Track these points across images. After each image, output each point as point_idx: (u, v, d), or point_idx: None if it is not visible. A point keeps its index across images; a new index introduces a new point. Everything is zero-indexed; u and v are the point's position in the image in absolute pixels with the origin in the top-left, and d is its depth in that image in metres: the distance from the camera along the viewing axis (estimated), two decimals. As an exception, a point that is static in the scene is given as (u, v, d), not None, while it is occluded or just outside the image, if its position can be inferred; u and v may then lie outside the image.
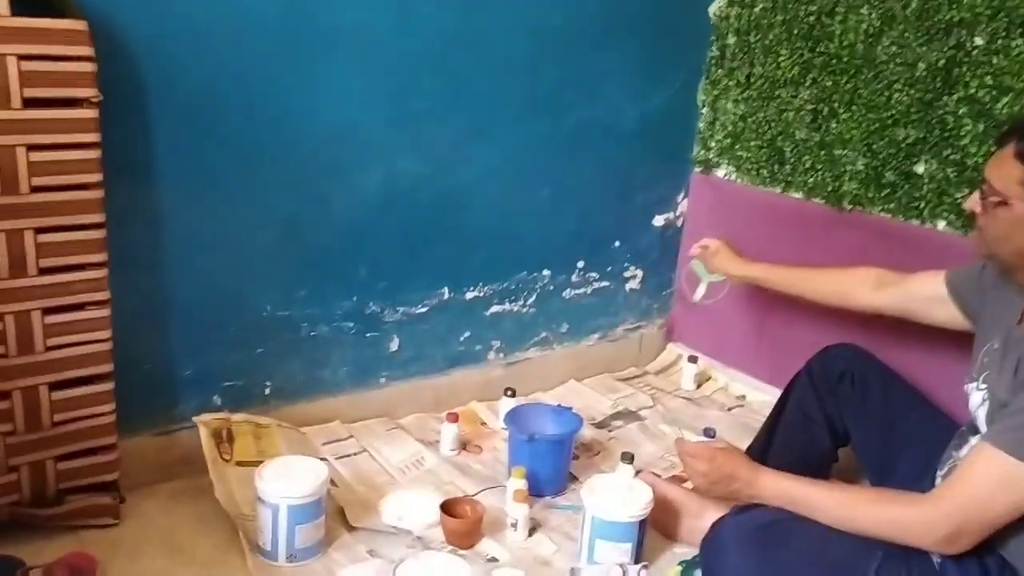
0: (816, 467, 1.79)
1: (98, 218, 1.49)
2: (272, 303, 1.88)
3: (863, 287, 1.79)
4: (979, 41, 1.80)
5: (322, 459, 1.74)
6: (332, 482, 1.74)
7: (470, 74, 2.01)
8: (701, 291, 2.16)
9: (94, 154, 1.46)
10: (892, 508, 1.38)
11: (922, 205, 1.94)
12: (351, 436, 1.99)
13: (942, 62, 1.86)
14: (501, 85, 2.07)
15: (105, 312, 1.54)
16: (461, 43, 1.97)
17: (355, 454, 1.93)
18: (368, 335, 2.04)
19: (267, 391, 1.93)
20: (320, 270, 1.93)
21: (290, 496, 1.53)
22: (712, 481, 1.53)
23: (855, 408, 1.79)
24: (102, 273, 1.52)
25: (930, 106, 1.89)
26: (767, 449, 1.84)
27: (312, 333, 1.96)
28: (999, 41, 1.77)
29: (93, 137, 1.45)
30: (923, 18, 1.88)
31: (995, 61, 1.78)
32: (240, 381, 1.88)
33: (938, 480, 1.58)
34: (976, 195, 1.44)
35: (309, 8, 1.73)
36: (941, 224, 1.92)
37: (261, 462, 1.62)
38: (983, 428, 1.46)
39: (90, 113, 1.44)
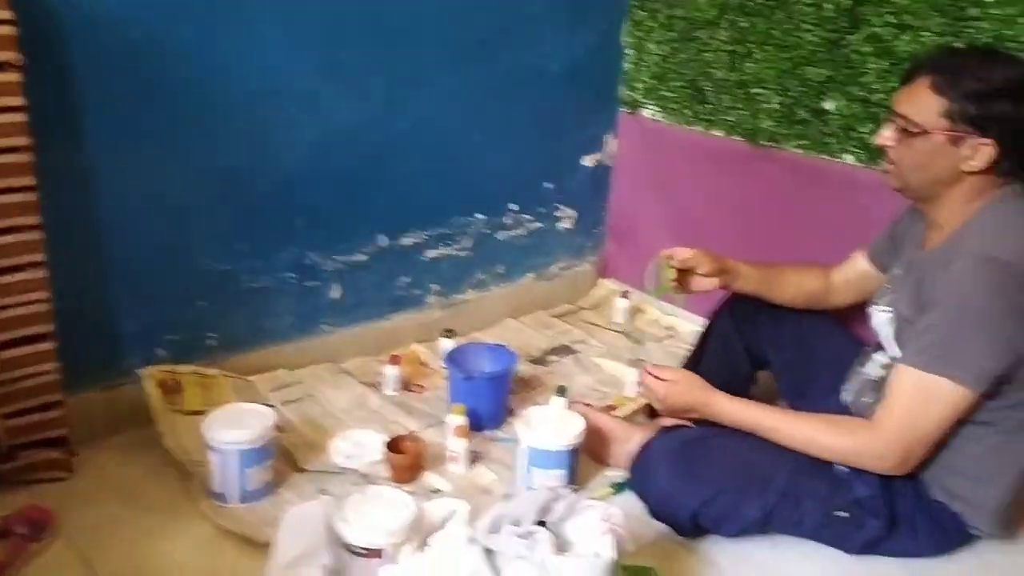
0: (737, 392, 1.91)
1: (29, 181, 1.51)
2: (212, 257, 1.92)
3: (825, 293, 1.86)
4: (882, -19, 1.89)
5: (270, 405, 1.81)
6: (280, 427, 1.81)
7: (401, 22, 2.03)
8: (654, 287, 1.87)
9: (21, 117, 1.47)
10: (844, 440, 1.48)
11: (832, 140, 2.04)
12: (298, 382, 2.06)
13: (847, 2, 1.94)
14: (432, 32, 2.10)
15: (42, 273, 1.57)
16: (389, -10, 1.99)
17: (302, 399, 2.00)
18: (309, 284, 2.10)
19: (212, 343, 1.98)
20: (259, 223, 1.97)
21: (239, 441, 1.60)
22: (672, 413, 1.69)
23: (771, 335, 1.91)
24: (37, 235, 1.55)
25: (837, 45, 1.98)
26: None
27: (253, 285, 2.00)
28: (900, -20, 1.86)
29: (18, 101, 1.47)
30: (830, -41, 1.96)
31: (896, 0, 1.87)
32: (184, 334, 1.92)
33: (843, 394, 1.71)
34: (888, 130, 1.51)
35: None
36: (849, 158, 2.03)
37: (209, 411, 1.69)
38: (888, 345, 1.59)
39: (14, 77, 1.45)
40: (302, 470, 1.76)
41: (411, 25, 2.05)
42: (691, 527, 1.57)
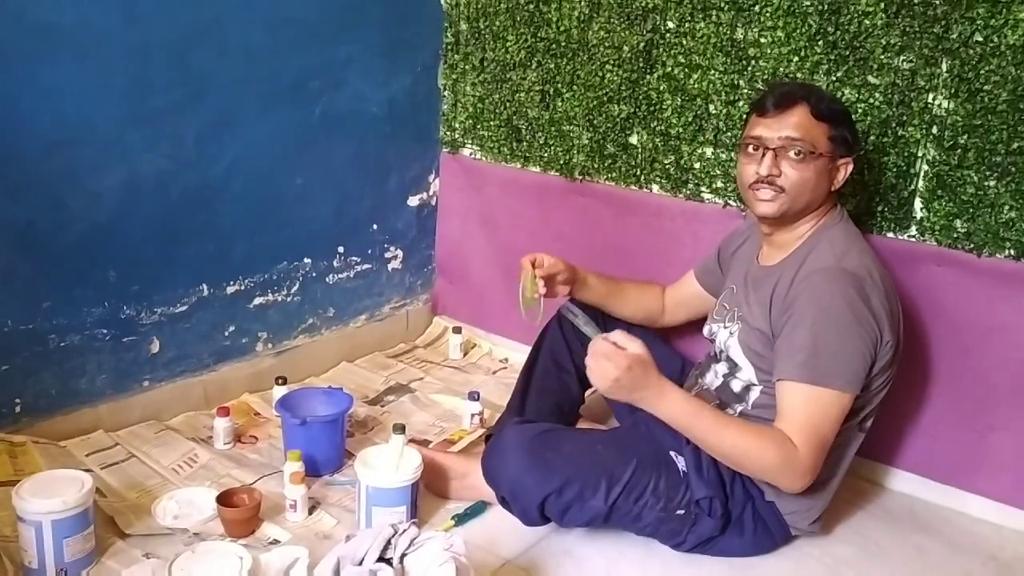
0: (567, 411, 1.98)
1: None
2: (13, 317, 1.80)
3: (660, 313, 1.98)
4: (671, 24, 2.05)
5: (87, 470, 1.70)
6: (99, 492, 1.71)
7: (209, 67, 2.00)
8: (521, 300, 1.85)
9: None
10: (773, 456, 1.46)
11: (638, 172, 2.19)
12: (116, 444, 1.95)
13: (642, 44, 2.10)
14: (243, 77, 2.08)
15: None
16: (196, 35, 1.96)
17: (123, 461, 1.89)
18: (125, 340, 2.00)
19: (18, 408, 1.85)
20: (65, 279, 1.87)
21: (53, 511, 1.49)
22: (620, 385, 1.47)
23: None
24: None
25: (636, 84, 2.13)
26: (525, 396, 1.96)
27: (62, 344, 1.89)
28: (686, 24, 2.03)
29: None
30: (624, 5, 2.11)
31: (685, 42, 2.04)
32: (-15, 402, 1.79)
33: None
34: (770, 159, 1.55)
35: (16, 8, 1.67)
36: (655, 188, 2.18)
37: (19, 481, 1.57)
38: (737, 357, 1.67)
39: None
40: (126, 536, 1.66)
41: (221, 69, 2.03)
42: (538, 516, 1.59)
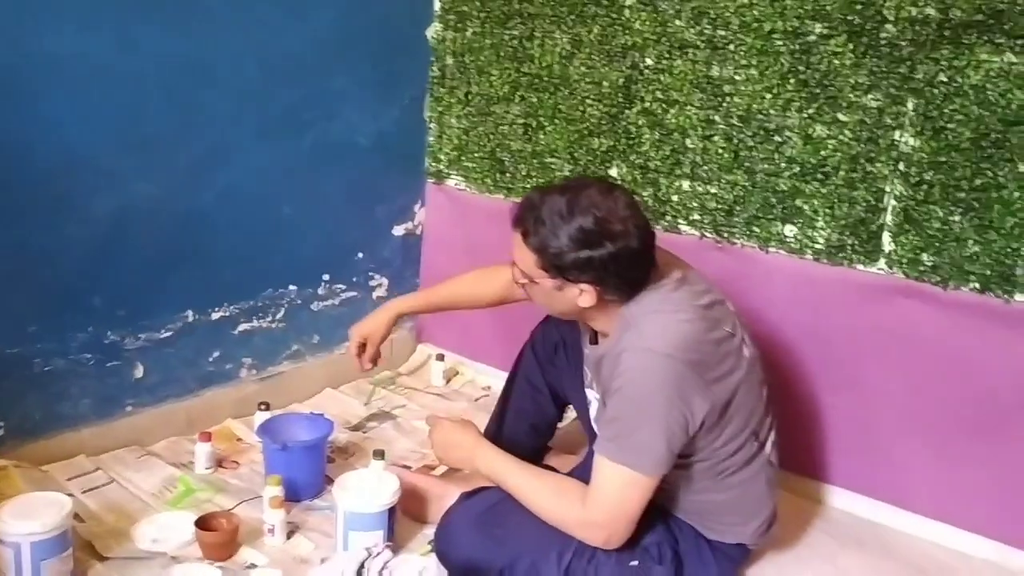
0: (544, 431, 2.01)
1: None
2: (0, 341, 1.83)
3: (509, 288, 1.86)
4: (649, 61, 2.11)
5: (68, 494, 1.72)
6: (79, 517, 1.73)
7: (202, 97, 2.05)
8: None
9: None
10: (561, 514, 1.54)
11: (618, 204, 2.23)
12: (98, 468, 1.97)
13: (622, 80, 2.16)
14: (235, 107, 2.12)
15: None
16: (190, 67, 2.01)
17: (103, 485, 1.91)
18: (109, 364, 2.02)
19: (1, 432, 1.86)
20: (51, 303, 1.90)
21: (32, 533, 1.51)
22: (443, 448, 1.73)
23: (570, 376, 1.96)
24: None
25: (616, 118, 2.19)
26: (503, 419, 2.00)
27: (47, 368, 1.91)
28: (664, 62, 2.09)
29: None
30: (604, 42, 2.17)
31: (662, 79, 2.09)
32: (-31, 425, 1.81)
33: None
34: (515, 270, 1.56)
35: (18, 39, 1.72)
36: (634, 219, 2.22)
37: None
38: (595, 426, 1.68)
39: None
40: (105, 559, 1.67)
41: (214, 100, 2.07)
42: None
